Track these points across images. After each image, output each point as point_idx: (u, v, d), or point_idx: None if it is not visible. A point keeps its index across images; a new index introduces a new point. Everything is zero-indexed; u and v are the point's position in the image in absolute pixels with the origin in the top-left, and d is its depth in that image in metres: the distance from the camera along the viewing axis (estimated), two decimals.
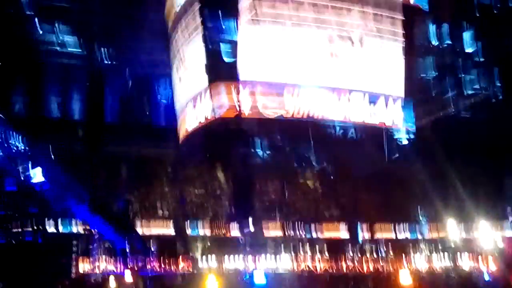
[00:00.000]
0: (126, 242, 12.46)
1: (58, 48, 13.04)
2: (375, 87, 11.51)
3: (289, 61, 11.09)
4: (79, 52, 13.14)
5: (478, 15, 12.79)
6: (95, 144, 13.39)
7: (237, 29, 10.98)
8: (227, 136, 11.88)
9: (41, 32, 12.74)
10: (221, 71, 11.06)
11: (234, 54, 10.92)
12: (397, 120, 11.56)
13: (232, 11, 11.01)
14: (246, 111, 10.77)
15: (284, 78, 11.02)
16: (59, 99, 13.77)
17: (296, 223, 13.45)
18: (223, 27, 11.20)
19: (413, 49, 11.95)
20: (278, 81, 10.97)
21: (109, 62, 13.31)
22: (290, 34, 11.09)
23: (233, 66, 10.84)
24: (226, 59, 10.91)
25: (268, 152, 12.49)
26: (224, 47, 11.11)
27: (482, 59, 12.91)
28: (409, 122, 11.69)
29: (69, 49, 13.06)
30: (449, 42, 12.69)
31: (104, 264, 12.64)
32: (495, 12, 12.96)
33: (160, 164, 13.73)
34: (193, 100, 11.74)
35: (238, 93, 10.69)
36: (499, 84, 12.95)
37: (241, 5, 10.98)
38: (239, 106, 10.74)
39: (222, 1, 11.29)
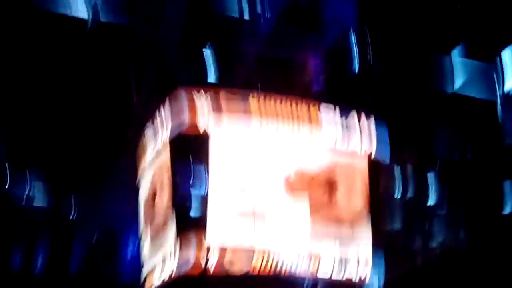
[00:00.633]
0: None
1: (24, 203, 13.20)
2: (345, 251, 11.60)
3: (260, 227, 11.19)
4: (44, 207, 13.24)
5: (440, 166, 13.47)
6: None
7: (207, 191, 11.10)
8: None
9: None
10: (189, 232, 10.97)
11: (203, 213, 10.97)
12: (364, 275, 11.56)
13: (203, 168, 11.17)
14: (211, 268, 10.65)
15: (253, 241, 11.05)
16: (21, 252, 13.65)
17: None
18: (194, 180, 11.39)
19: (378, 205, 12.18)
20: (248, 247, 10.98)
21: (76, 216, 13.43)
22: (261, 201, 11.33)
23: (201, 226, 10.83)
24: (195, 217, 10.97)
25: None
26: (193, 202, 11.23)
27: (446, 211, 13.39)
28: (376, 277, 11.70)
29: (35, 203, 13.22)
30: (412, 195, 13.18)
31: None
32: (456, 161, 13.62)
33: None
34: (161, 261, 11.57)
35: (206, 254, 10.64)
36: (465, 235, 13.27)
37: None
38: (205, 263, 10.63)
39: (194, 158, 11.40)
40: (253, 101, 11.43)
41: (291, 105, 11.70)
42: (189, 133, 11.25)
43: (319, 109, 11.87)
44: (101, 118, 13.35)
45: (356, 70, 12.04)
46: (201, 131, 11.20)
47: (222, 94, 11.26)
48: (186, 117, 11.20)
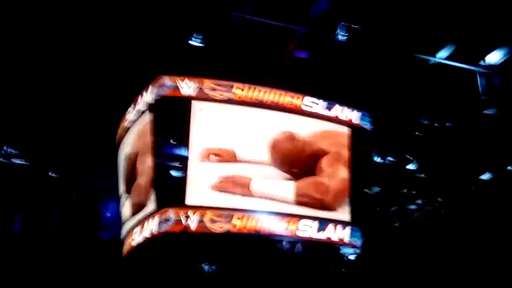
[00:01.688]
0: None
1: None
2: (325, 213, 11.71)
3: (241, 188, 11.31)
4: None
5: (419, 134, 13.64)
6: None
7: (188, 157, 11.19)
8: (173, 251, 11.73)
9: None
10: (169, 193, 11.09)
11: (184, 174, 11.06)
12: (343, 236, 11.70)
13: (184, 135, 11.26)
14: (193, 226, 10.76)
15: (232, 204, 11.18)
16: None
17: None
18: (174, 144, 11.42)
19: (358, 169, 12.29)
20: (227, 207, 11.09)
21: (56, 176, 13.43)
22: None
23: (181, 187, 10.94)
24: (175, 178, 11.04)
25: (214, 268, 12.33)
26: (173, 164, 11.27)
27: (423, 175, 13.60)
28: (355, 238, 11.83)
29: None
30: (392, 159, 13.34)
31: None
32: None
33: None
34: (140, 222, 11.64)
35: (185, 213, 10.75)
36: (441, 199, 13.52)
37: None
38: (186, 221, 10.72)
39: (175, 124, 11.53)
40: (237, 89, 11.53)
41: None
42: (171, 96, 11.30)
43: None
44: (83, 83, 13.30)
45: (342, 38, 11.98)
46: (184, 94, 11.29)
47: (206, 83, 11.37)
48: (169, 82, 11.27)
